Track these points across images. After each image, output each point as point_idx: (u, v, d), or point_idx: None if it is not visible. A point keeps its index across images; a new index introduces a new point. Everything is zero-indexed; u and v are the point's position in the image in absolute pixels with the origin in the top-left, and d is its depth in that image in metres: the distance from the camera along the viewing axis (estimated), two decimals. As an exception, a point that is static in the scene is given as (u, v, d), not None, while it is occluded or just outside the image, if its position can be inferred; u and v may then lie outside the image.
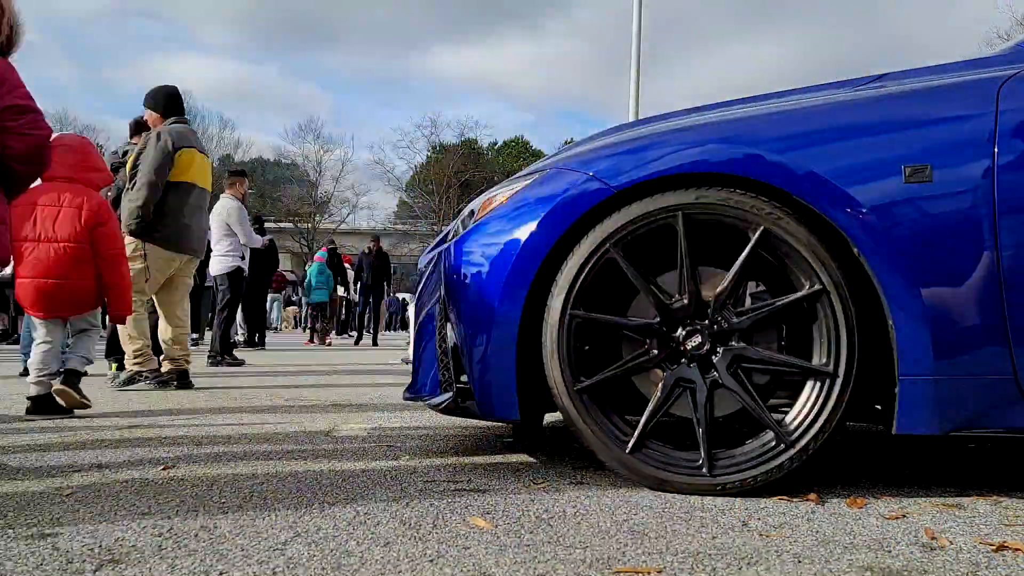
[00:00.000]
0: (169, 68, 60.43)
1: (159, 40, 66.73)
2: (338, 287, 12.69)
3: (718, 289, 1.65)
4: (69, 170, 3.08)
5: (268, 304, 13.88)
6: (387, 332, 14.21)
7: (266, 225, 7.85)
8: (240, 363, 6.11)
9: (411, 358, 2.14)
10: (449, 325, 1.88)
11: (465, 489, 1.66)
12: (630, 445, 1.64)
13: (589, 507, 1.50)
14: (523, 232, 1.74)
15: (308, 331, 13.08)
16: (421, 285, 2.15)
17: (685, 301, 1.67)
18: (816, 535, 1.31)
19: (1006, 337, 1.47)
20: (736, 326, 1.65)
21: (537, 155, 43.69)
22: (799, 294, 1.60)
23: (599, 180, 1.70)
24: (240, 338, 9.21)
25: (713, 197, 1.63)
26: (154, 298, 4.18)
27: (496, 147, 47.64)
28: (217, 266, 6.50)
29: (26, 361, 3.65)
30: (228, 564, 1.13)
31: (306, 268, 13.51)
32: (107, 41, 66.53)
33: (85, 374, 3.19)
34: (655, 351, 1.69)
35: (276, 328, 14.81)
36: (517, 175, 1.98)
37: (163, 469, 1.87)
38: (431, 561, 1.15)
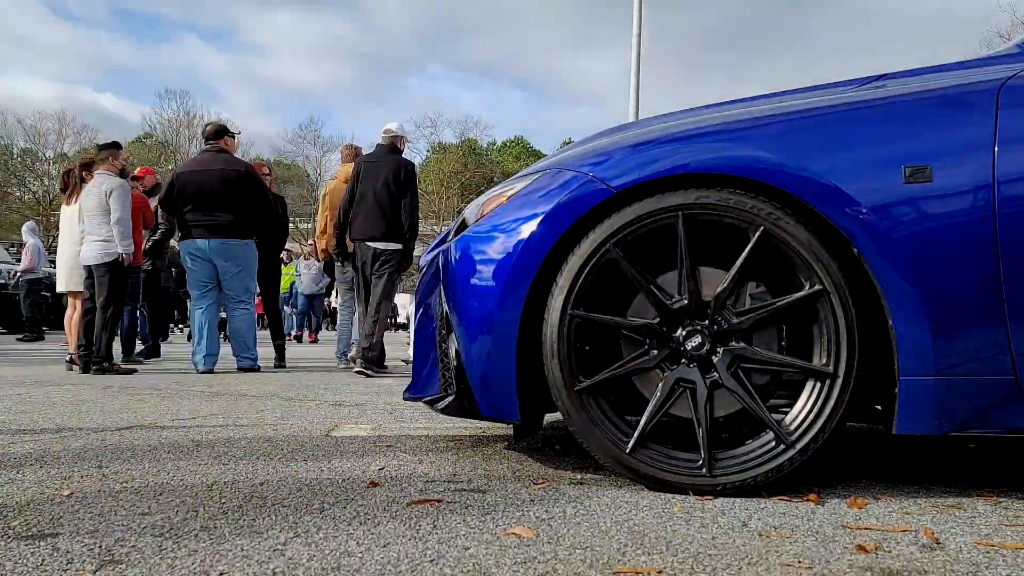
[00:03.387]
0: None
1: None
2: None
3: (718, 289, 1.65)
4: None
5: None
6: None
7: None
8: (131, 371, 5.37)
9: (411, 358, 2.14)
10: (449, 325, 1.88)
11: (465, 489, 1.66)
12: (630, 445, 1.64)
13: (589, 507, 1.50)
14: (523, 232, 1.74)
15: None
16: (421, 285, 2.15)
17: (685, 301, 1.67)
18: (816, 535, 1.31)
19: (1006, 337, 1.47)
20: (736, 326, 1.65)
21: (537, 155, 43.72)
22: (799, 294, 1.60)
23: (599, 180, 1.70)
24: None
25: (713, 197, 1.63)
26: None
27: (496, 147, 47.67)
28: (94, 254, 5.29)
29: None
30: (228, 564, 1.13)
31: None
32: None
33: None
34: (655, 351, 1.69)
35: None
36: (517, 175, 1.98)
37: (163, 469, 1.87)
38: (431, 561, 1.15)
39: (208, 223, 5.42)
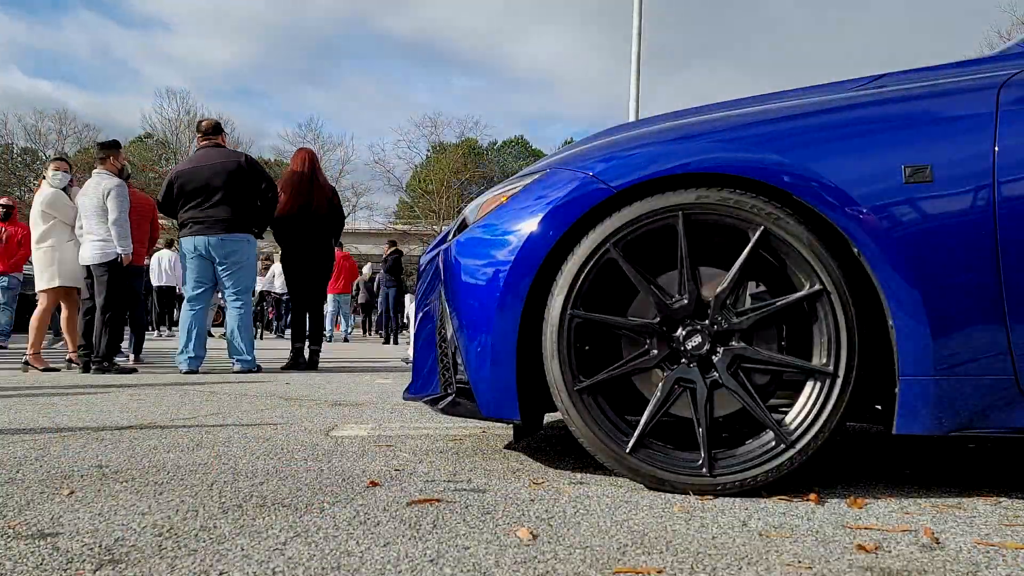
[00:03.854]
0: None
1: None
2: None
3: (718, 289, 1.65)
4: None
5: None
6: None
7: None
8: (132, 371, 5.40)
9: (411, 358, 2.14)
10: (449, 325, 1.88)
11: (465, 489, 1.66)
12: (630, 445, 1.64)
13: (589, 507, 1.50)
14: (523, 232, 1.74)
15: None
16: (421, 285, 2.15)
17: (685, 301, 1.67)
18: (816, 535, 1.31)
19: (1006, 337, 1.47)
20: (736, 326, 1.65)
21: (537, 155, 43.76)
22: (799, 294, 1.60)
23: (599, 180, 1.70)
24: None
25: (713, 197, 1.63)
26: None
27: (496, 147, 47.72)
28: (92, 253, 5.31)
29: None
30: (228, 564, 1.13)
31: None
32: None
33: None
34: (655, 351, 1.69)
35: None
36: (517, 175, 1.98)
37: (163, 469, 1.87)
38: (431, 561, 1.15)
39: (208, 219, 5.36)
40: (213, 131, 5.68)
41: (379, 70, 74.82)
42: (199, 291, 5.48)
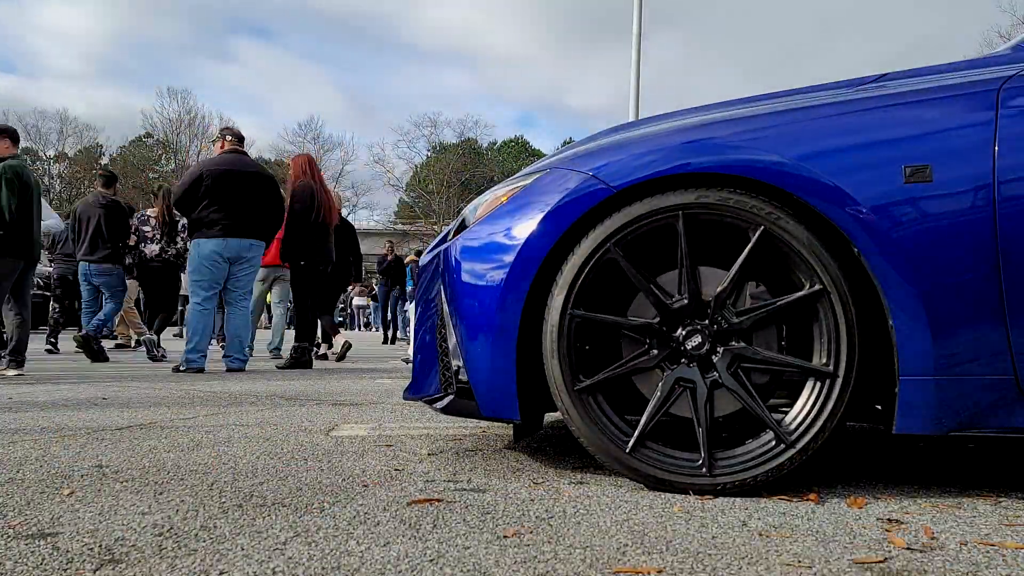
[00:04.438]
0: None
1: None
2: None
3: (718, 289, 1.65)
4: None
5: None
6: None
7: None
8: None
9: (411, 358, 2.14)
10: (449, 325, 1.88)
11: (465, 489, 1.66)
12: (630, 445, 1.64)
13: (589, 507, 1.50)
14: (523, 232, 1.74)
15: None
16: (421, 285, 2.15)
17: (685, 301, 1.67)
18: (816, 535, 1.31)
19: (1006, 337, 1.47)
20: (736, 326, 1.65)
21: (537, 155, 43.78)
22: (799, 294, 1.60)
23: (599, 180, 1.70)
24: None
25: (713, 197, 1.63)
26: None
27: (496, 147, 47.75)
28: None
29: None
30: (228, 564, 1.13)
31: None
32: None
33: None
34: (655, 351, 1.69)
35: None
36: (517, 175, 1.98)
37: (163, 469, 1.87)
38: (431, 561, 1.15)
39: (240, 223, 5.48)
40: (241, 139, 5.95)
41: (278, 45, 71.13)
42: (212, 292, 5.54)
